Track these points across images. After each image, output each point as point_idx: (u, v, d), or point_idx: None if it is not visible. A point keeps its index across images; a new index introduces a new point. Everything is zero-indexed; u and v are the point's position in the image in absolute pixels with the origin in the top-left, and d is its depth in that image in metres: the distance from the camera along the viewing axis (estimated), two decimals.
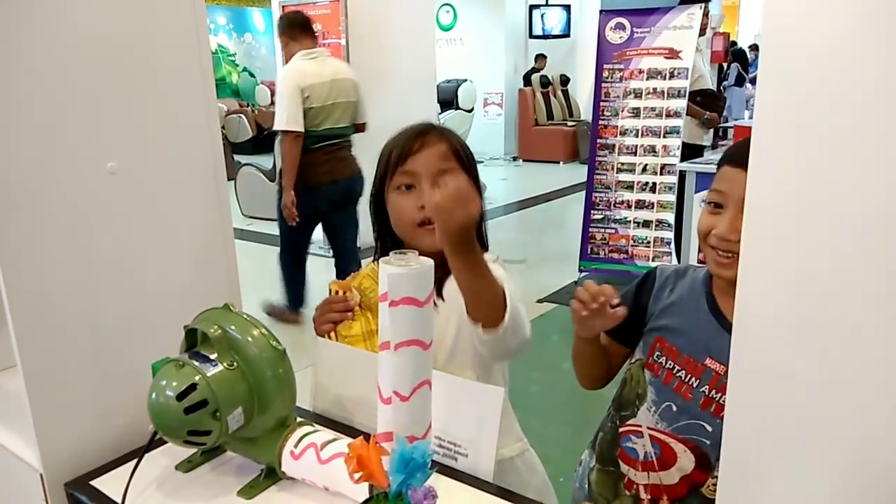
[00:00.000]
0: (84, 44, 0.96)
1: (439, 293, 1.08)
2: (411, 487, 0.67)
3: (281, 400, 0.90)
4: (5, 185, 0.90)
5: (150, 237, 1.06)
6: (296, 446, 0.88)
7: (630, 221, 4.45)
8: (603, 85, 4.45)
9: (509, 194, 8.00)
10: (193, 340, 0.90)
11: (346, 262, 3.71)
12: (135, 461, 0.90)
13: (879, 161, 0.54)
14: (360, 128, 3.67)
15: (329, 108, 3.46)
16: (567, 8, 10.15)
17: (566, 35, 10.46)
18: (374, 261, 1.17)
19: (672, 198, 4.27)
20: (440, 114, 6.89)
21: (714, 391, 1.06)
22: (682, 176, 4.17)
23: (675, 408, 1.10)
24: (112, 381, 1.03)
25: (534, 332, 1.06)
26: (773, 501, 0.65)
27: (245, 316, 0.91)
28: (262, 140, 9.56)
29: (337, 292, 1.16)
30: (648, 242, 4.39)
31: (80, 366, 1.00)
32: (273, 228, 4.18)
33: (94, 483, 0.94)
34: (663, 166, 4.29)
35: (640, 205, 4.40)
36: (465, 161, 1.12)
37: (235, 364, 0.87)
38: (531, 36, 10.57)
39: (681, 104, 4.24)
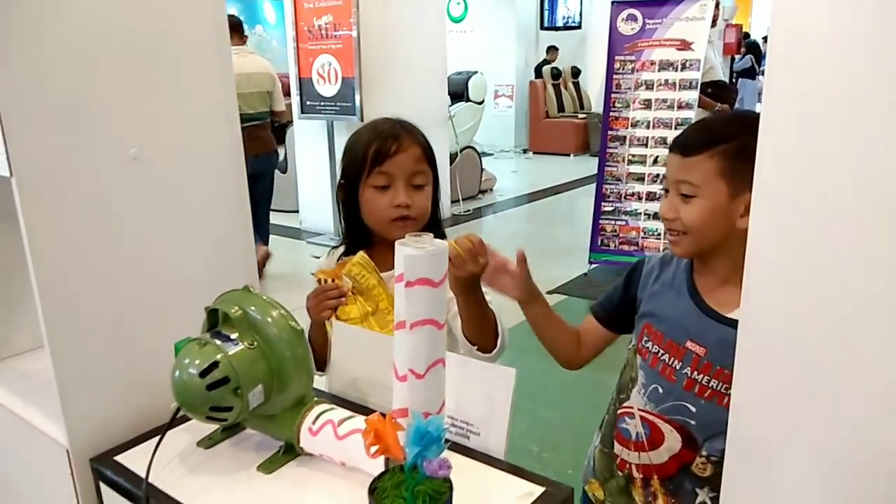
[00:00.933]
0: (108, 34, 0.99)
1: None
2: (426, 459, 0.69)
3: (299, 379, 0.92)
4: (33, 172, 0.93)
5: (171, 222, 1.09)
6: (313, 423, 0.91)
7: (640, 213, 4.45)
8: (614, 76, 4.44)
9: (520, 186, 8.00)
10: (215, 321, 0.93)
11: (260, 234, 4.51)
12: (158, 437, 0.92)
13: (888, 152, 0.54)
14: (277, 115, 4.67)
15: (246, 96, 4.31)
16: None
17: (577, 26, 10.42)
18: (345, 250, 1.30)
19: None
20: (450, 106, 6.87)
21: (696, 372, 1.09)
22: None
23: (661, 390, 1.14)
24: (136, 361, 1.06)
25: None
26: (778, 484, 0.67)
27: (264, 297, 0.94)
28: (274, 131, 9.57)
29: (325, 280, 1.23)
30: (659, 234, 4.38)
31: (105, 346, 1.03)
32: None
33: (118, 458, 0.97)
34: None
35: (651, 197, 4.40)
36: (432, 161, 1.27)
37: (256, 343, 0.90)
38: (542, 27, 10.54)
39: (692, 96, 4.23)
